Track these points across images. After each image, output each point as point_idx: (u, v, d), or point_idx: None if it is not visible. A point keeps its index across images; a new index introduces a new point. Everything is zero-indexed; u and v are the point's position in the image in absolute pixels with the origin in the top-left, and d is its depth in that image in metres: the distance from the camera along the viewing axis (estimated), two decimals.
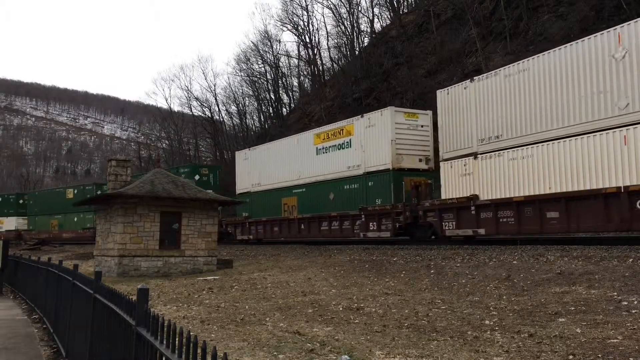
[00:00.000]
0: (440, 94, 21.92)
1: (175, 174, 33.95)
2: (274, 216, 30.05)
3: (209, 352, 2.48)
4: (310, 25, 74.76)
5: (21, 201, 59.97)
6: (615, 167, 15.09)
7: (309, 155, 28.08)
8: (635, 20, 15.47)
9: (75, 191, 49.60)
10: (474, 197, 19.30)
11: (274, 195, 30.62)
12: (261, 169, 32.28)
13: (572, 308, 9.14)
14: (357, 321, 9.36)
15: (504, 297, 10.70)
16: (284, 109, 63.67)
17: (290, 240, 29.44)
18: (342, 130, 26.22)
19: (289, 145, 30.22)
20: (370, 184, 24.06)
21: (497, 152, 18.88)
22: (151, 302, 11.67)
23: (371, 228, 23.48)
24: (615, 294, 9.71)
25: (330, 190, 26.35)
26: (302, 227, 27.76)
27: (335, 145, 26.39)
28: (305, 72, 62.28)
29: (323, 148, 27.28)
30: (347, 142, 25.74)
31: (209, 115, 71.09)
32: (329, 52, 58.22)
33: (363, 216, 23.81)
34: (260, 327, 9.17)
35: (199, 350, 2.52)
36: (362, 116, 25.17)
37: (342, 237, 25.88)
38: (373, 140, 24.09)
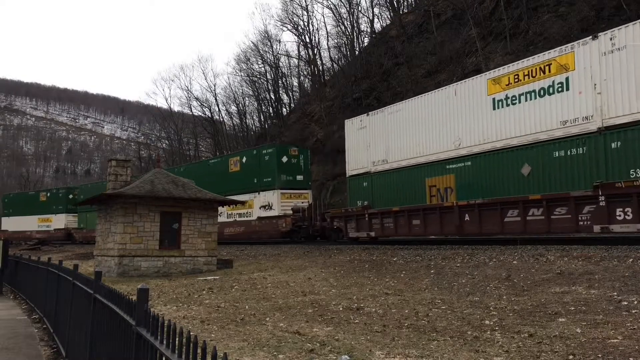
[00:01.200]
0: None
1: (255, 156, 32.26)
2: (413, 204, 21.85)
3: (209, 352, 2.48)
4: (310, 25, 74.90)
5: (71, 196, 53.61)
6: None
7: (479, 112, 19.80)
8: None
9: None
10: None
11: (412, 174, 22.50)
12: (389, 139, 23.80)
13: (572, 308, 9.14)
14: (357, 321, 9.36)
15: (504, 297, 10.70)
16: (284, 109, 63.67)
17: (442, 240, 23.06)
18: (547, 65, 17.62)
19: (439, 101, 21.69)
20: (615, 146, 15.66)
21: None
22: (151, 302, 11.68)
23: (621, 217, 15.06)
24: (615, 294, 9.71)
25: (522, 161, 18.22)
26: (466, 218, 19.54)
27: (533, 92, 17.97)
28: (305, 72, 62.29)
29: (507, 98, 18.82)
30: (560, 84, 17.21)
31: (209, 115, 71.17)
32: (329, 52, 58.28)
33: (603, 198, 15.36)
34: (260, 327, 9.17)
35: (199, 350, 2.52)
36: (594, 37, 16.45)
37: (550, 231, 17.26)
38: (622, 73, 15.59)
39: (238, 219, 33.48)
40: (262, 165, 31.81)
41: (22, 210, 59.27)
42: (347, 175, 26.55)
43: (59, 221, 53.34)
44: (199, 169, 37.85)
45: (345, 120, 27.57)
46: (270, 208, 30.81)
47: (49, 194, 57.57)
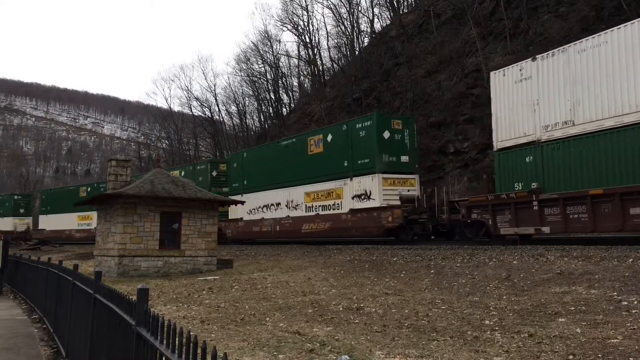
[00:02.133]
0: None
1: (345, 133, 25.48)
2: (630, 184, 15.08)
3: (209, 352, 2.48)
4: (310, 25, 74.85)
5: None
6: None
7: None
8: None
9: (183, 173, 38.29)
10: None
11: (626, 139, 15.47)
12: (578, 90, 16.95)
13: (572, 308, 9.14)
14: (357, 321, 9.36)
15: (504, 297, 10.70)
16: (284, 109, 63.66)
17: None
18: None
19: None
20: None
21: None
22: (151, 302, 11.67)
23: None
24: (615, 294, 9.71)
25: None
26: None
27: None
28: (305, 72, 62.30)
29: None
30: None
31: (209, 115, 71.17)
32: (329, 52, 58.25)
33: None
34: (260, 327, 9.17)
35: (199, 350, 2.52)
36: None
37: None
38: None
39: (321, 212, 26.69)
40: (356, 144, 24.85)
41: (60, 207, 53.83)
42: (494, 149, 19.94)
43: None
44: (267, 153, 32.20)
45: (491, 73, 20.58)
46: (368, 197, 23.91)
47: (89, 189, 51.51)
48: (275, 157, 30.76)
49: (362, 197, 24.30)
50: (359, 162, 24.61)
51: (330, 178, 26.12)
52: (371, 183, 23.88)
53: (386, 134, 24.13)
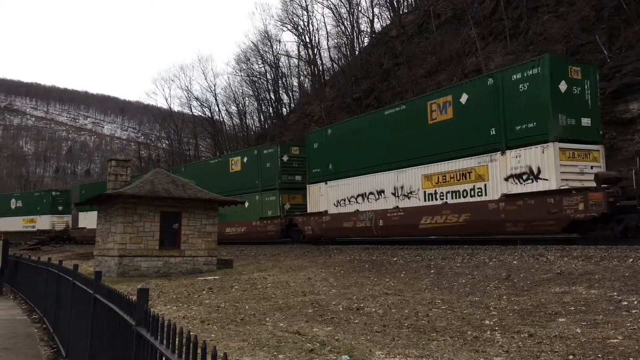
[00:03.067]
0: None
1: (491, 90, 18.59)
2: None
3: (209, 352, 2.48)
4: (310, 25, 74.88)
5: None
6: None
7: None
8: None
9: (246, 159, 33.67)
10: None
11: None
12: None
13: (572, 308, 9.13)
14: (357, 321, 9.36)
15: (504, 297, 10.70)
16: (284, 109, 63.66)
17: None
18: None
19: None
20: None
21: None
22: (151, 302, 11.68)
23: None
24: (615, 294, 9.70)
25: None
26: None
27: None
28: (305, 72, 62.30)
29: None
30: None
31: (209, 115, 71.15)
32: (329, 52, 58.23)
33: None
34: (260, 327, 9.17)
35: (199, 350, 2.52)
36: None
37: None
38: None
39: (451, 200, 19.81)
40: (512, 102, 18.23)
41: None
42: None
43: None
44: (363, 127, 24.73)
45: None
46: (535, 178, 17.42)
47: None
48: (374, 131, 23.74)
49: (524, 177, 17.75)
50: (518, 127, 17.95)
51: (465, 154, 19.49)
52: (540, 157, 17.28)
53: (563, 86, 17.24)
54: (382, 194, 23.04)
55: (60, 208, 57.66)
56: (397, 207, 22.05)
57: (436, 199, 20.40)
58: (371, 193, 23.68)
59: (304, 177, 29.22)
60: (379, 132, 23.56)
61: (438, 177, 20.54)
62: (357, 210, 24.09)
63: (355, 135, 24.98)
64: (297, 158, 30.73)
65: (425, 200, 20.88)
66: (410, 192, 21.58)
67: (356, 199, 24.48)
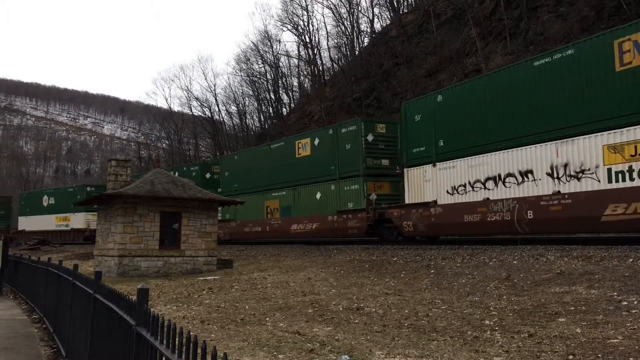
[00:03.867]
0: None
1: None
2: None
3: (209, 352, 2.48)
4: (310, 25, 74.92)
5: (208, 175, 38.60)
6: None
7: None
8: None
9: (317, 141, 27.32)
10: None
11: None
12: None
13: (572, 308, 9.13)
14: (357, 321, 9.36)
15: (504, 297, 10.70)
16: (284, 109, 63.73)
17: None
18: None
19: None
20: None
21: None
22: (151, 302, 11.68)
23: None
24: (615, 294, 9.70)
25: None
26: None
27: None
28: (305, 72, 62.36)
29: None
30: None
31: (209, 115, 71.22)
32: (329, 52, 58.32)
33: None
34: (260, 327, 9.17)
35: (199, 350, 2.52)
36: None
37: None
38: None
39: (628, 182, 14.26)
40: None
41: None
42: None
43: None
44: (490, 87, 18.66)
45: None
46: None
47: (176, 174, 39.58)
48: (514, 91, 17.73)
49: None
50: None
51: None
52: None
53: None
54: (529, 175, 17.12)
55: (96, 206, 54.28)
56: (559, 192, 16.15)
57: (631, 179, 14.31)
58: (509, 175, 17.75)
59: (392, 162, 24.20)
60: (521, 90, 17.43)
61: (636, 148, 14.23)
62: (487, 198, 18.26)
63: (483, 99, 18.78)
64: (385, 138, 24.53)
65: (609, 182, 14.87)
66: (582, 171, 15.68)
67: (484, 184, 18.53)
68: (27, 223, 56.84)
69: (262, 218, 30.26)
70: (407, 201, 21.51)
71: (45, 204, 55.88)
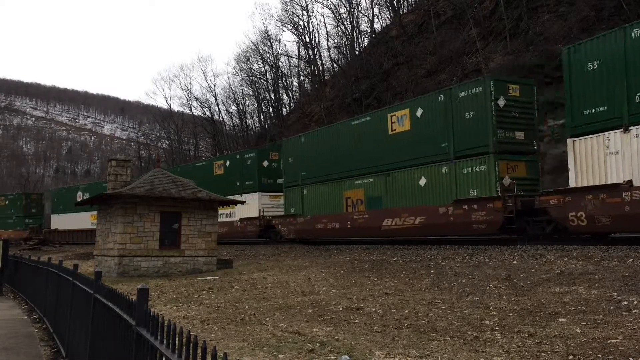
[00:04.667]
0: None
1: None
2: None
3: (209, 352, 2.48)
4: (310, 25, 74.93)
5: (266, 162, 32.95)
6: None
7: None
8: None
9: (420, 111, 21.34)
10: None
11: None
12: None
13: (572, 308, 9.13)
14: (357, 321, 9.36)
15: (504, 297, 10.70)
16: (284, 109, 63.73)
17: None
18: None
19: None
20: None
21: None
22: (151, 302, 11.68)
23: None
24: (615, 294, 9.71)
25: None
26: None
27: None
28: (305, 72, 62.37)
29: None
30: None
31: (209, 115, 71.24)
32: (329, 52, 58.34)
33: None
34: (260, 327, 9.17)
35: (199, 350, 2.52)
36: None
37: None
38: None
39: None
40: None
41: None
42: None
43: (250, 206, 30.92)
44: None
45: None
46: None
47: (227, 163, 35.43)
48: None
49: None
50: None
51: None
52: None
53: None
54: None
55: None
56: None
57: None
58: None
59: (527, 134, 18.90)
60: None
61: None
62: None
63: None
64: (519, 103, 18.85)
65: None
66: None
67: None
68: (60, 221, 53.13)
69: (340, 212, 24.65)
70: (573, 184, 15.76)
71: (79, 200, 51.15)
